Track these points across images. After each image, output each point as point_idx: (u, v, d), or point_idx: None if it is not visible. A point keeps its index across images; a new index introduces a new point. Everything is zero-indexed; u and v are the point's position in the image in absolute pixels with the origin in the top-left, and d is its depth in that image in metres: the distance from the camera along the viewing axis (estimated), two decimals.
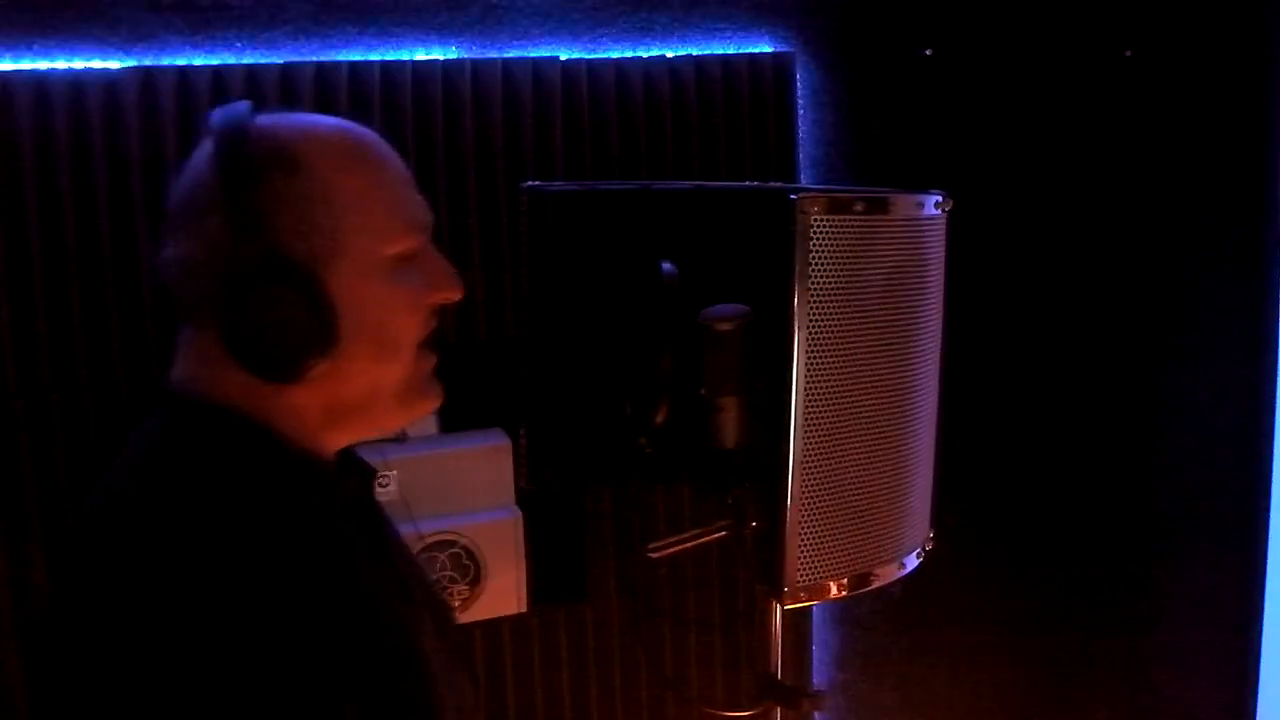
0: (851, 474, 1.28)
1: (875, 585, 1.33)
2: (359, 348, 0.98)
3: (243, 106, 0.99)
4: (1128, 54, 2.56)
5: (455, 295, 1.06)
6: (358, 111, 1.96)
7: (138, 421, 1.02)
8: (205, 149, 0.99)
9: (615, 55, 2.17)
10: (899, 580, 1.38)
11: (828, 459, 1.25)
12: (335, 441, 1.05)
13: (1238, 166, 2.68)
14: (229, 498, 0.93)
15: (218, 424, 0.98)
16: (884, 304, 1.27)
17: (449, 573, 1.98)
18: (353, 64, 1.97)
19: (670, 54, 2.20)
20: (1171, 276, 2.69)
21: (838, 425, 1.25)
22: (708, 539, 1.40)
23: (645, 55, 2.19)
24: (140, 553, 0.88)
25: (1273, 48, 2.62)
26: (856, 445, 1.27)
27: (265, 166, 0.95)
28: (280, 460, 1.00)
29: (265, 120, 0.99)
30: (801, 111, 2.33)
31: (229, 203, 0.94)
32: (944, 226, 1.37)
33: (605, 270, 1.45)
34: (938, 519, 1.46)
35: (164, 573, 0.87)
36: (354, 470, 1.12)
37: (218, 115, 0.99)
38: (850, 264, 1.23)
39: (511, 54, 2.10)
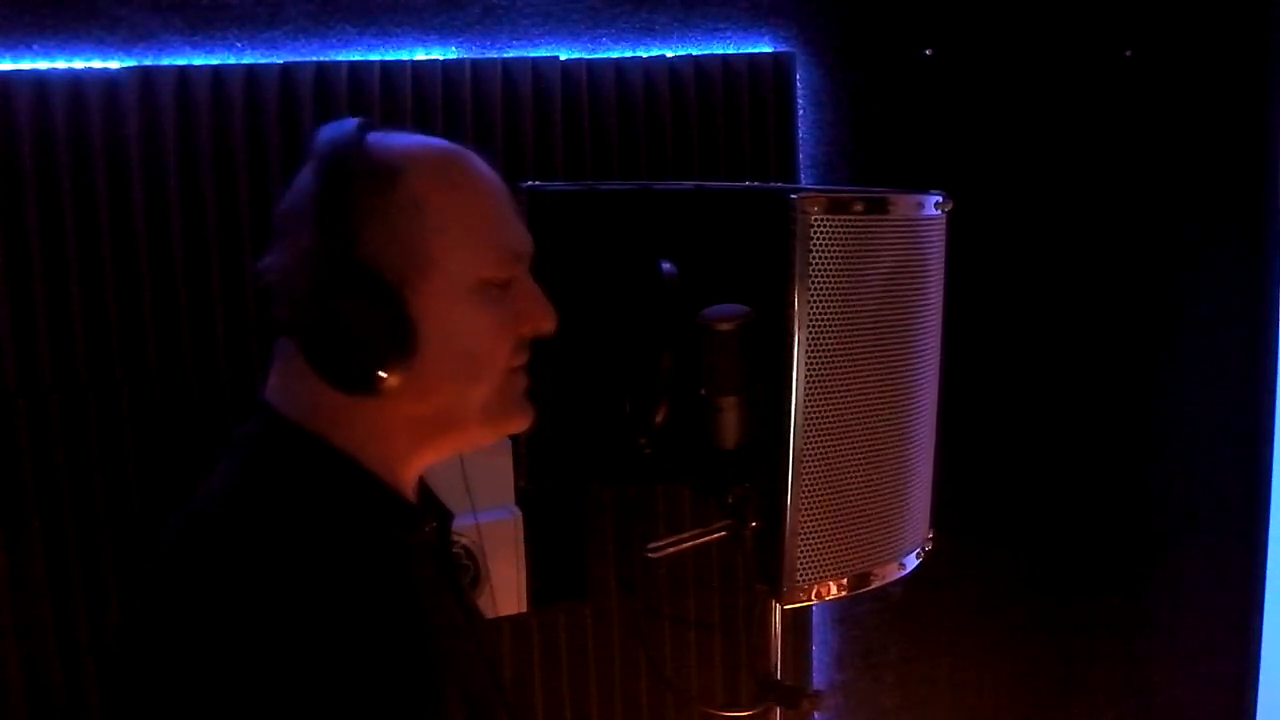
0: (851, 474, 1.28)
1: (875, 585, 1.33)
2: (440, 365, 0.99)
3: (351, 122, 1.01)
4: (1128, 54, 2.56)
5: (546, 328, 1.06)
6: (357, 112, 1.96)
7: (225, 428, 1.04)
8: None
9: (615, 55, 2.17)
10: (899, 580, 1.38)
11: (827, 459, 1.25)
12: (427, 458, 1.06)
13: (1238, 166, 2.69)
14: (306, 537, 0.95)
15: (305, 454, 1.00)
16: (884, 304, 1.27)
17: None
18: (353, 64, 1.97)
19: (670, 54, 2.20)
20: (1171, 276, 2.69)
21: (837, 425, 1.26)
22: (708, 539, 1.40)
23: (645, 55, 2.19)
24: (214, 585, 0.90)
25: (1273, 48, 2.62)
26: (856, 445, 1.28)
27: (360, 180, 0.97)
28: (363, 497, 1.01)
29: (374, 137, 1.01)
30: (801, 111, 2.33)
31: (319, 213, 0.96)
32: (944, 227, 1.37)
33: (605, 270, 1.45)
34: (937, 519, 1.46)
35: (234, 607, 0.89)
36: (433, 512, 1.13)
37: (325, 130, 1.00)
38: (850, 264, 1.24)
39: (511, 54, 2.10)
